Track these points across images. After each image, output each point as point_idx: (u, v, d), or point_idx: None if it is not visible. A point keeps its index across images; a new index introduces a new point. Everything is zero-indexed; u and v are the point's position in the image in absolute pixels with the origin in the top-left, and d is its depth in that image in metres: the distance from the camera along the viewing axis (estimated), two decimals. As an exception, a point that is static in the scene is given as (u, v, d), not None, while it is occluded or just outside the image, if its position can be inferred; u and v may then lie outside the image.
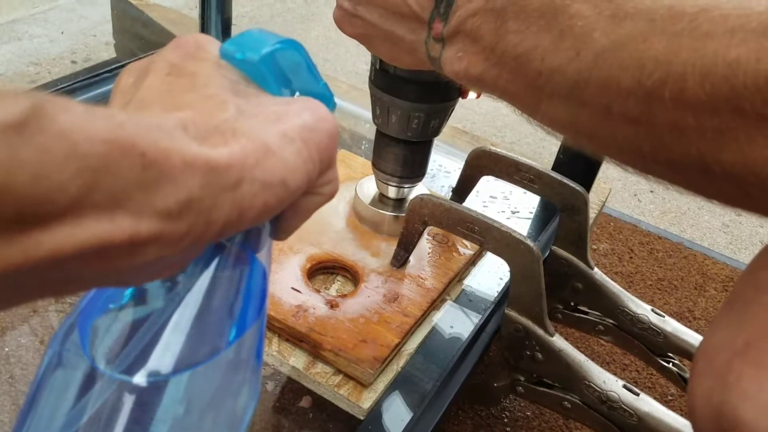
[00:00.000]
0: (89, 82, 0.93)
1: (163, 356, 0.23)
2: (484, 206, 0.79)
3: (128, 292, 0.26)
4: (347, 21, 0.45)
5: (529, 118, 0.37)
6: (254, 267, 0.28)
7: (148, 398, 0.23)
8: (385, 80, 0.59)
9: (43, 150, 0.16)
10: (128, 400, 0.22)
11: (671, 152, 0.28)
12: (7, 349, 0.68)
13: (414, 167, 0.65)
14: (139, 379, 0.23)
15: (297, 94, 0.29)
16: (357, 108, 0.96)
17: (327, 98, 0.30)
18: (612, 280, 0.71)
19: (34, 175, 0.16)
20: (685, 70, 0.26)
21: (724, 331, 0.29)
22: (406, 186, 0.67)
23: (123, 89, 0.25)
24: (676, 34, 0.27)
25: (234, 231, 0.22)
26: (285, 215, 0.27)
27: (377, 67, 0.59)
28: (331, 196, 0.28)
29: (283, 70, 0.28)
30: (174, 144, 0.19)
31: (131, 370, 0.23)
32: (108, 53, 1.47)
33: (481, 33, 0.36)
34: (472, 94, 0.58)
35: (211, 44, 0.26)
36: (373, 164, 0.67)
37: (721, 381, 0.27)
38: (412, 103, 0.58)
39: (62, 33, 1.56)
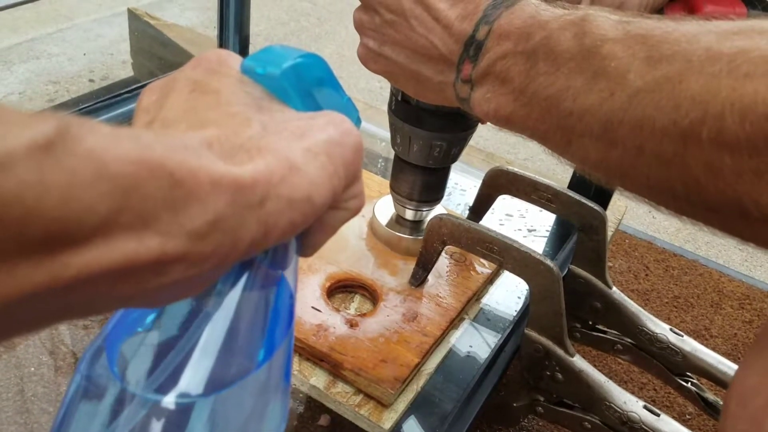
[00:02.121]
0: (109, 102, 0.94)
1: (194, 377, 0.23)
2: (501, 224, 0.79)
3: (155, 313, 0.25)
4: (372, 59, 0.45)
5: (558, 157, 0.37)
6: (281, 285, 0.27)
7: (179, 420, 0.23)
8: (406, 111, 0.59)
9: (72, 171, 0.16)
10: (159, 422, 0.22)
11: (706, 193, 0.28)
12: (32, 368, 0.69)
13: (433, 192, 0.66)
14: (170, 400, 0.22)
15: (321, 109, 0.29)
16: (373, 127, 0.97)
17: (351, 114, 0.29)
18: (628, 297, 0.71)
19: (63, 197, 0.16)
20: (724, 110, 0.26)
21: (759, 373, 0.28)
22: (425, 209, 0.68)
23: (146, 108, 0.25)
24: (714, 74, 0.27)
25: (260, 249, 0.22)
26: (311, 231, 0.27)
27: (398, 98, 0.59)
28: (357, 211, 0.28)
29: (306, 86, 0.27)
30: (201, 163, 0.19)
31: (161, 391, 0.23)
32: (125, 72, 1.49)
33: (510, 75, 0.36)
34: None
35: (233, 60, 0.26)
36: (392, 187, 0.67)
37: (758, 427, 0.27)
38: (435, 133, 0.59)
39: (84, 54, 1.58)
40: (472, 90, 0.39)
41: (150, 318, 0.25)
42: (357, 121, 0.30)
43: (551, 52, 0.34)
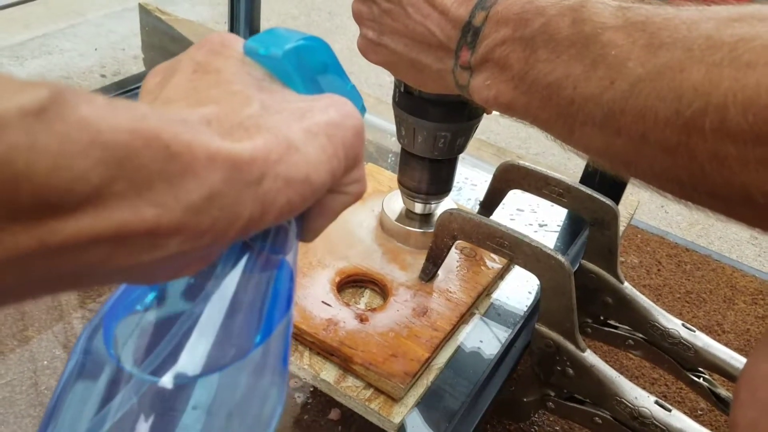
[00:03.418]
0: (120, 97, 0.95)
1: (191, 358, 0.23)
2: (511, 219, 0.79)
3: (153, 293, 0.25)
4: (372, 50, 0.46)
5: (562, 144, 0.37)
6: (281, 269, 0.27)
7: (175, 400, 0.23)
8: (409, 102, 0.59)
9: (64, 138, 0.16)
10: (155, 402, 0.22)
11: (712, 182, 0.28)
12: (45, 362, 0.70)
13: (440, 184, 0.66)
14: (166, 380, 0.22)
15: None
16: (383, 122, 0.97)
17: (356, 101, 0.29)
18: (640, 293, 0.70)
19: (54, 163, 0.16)
20: (726, 101, 0.26)
21: None
22: (433, 202, 0.68)
23: (149, 89, 0.25)
24: (716, 63, 0.26)
25: (257, 228, 0.22)
26: (311, 215, 0.27)
27: (401, 89, 0.59)
28: (358, 196, 0.27)
29: (309, 69, 0.27)
30: (197, 138, 0.19)
31: (158, 371, 0.22)
32: (137, 67, 1.50)
33: (509, 61, 0.36)
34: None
35: (237, 42, 0.26)
36: (399, 181, 0.67)
37: (767, 413, 0.27)
38: (438, 123, 0.59)
39: (96, 49, 1.58)
40: (471, 77, 0.39)
41: (149, 297, 0.25)
42: (362, 110, 0.30)
43: (551, 39, 0.33)
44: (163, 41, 1.23)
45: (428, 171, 0.64)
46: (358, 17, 0.46)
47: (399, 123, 0.62)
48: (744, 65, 0.26)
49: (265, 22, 1.86)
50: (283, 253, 0.27)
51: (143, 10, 1.26)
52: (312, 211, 0.27)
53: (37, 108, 0.16)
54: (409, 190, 0.67)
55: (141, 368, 0.23)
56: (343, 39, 1.85)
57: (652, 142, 0.29)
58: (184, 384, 0.23)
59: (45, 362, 0.70)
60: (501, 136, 1.47)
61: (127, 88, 0.96)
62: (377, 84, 1.63)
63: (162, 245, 0.19)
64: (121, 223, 0.18)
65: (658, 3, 0.31)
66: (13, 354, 0.71)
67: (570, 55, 0.32)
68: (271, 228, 0.26)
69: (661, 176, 0.31)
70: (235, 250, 0.25)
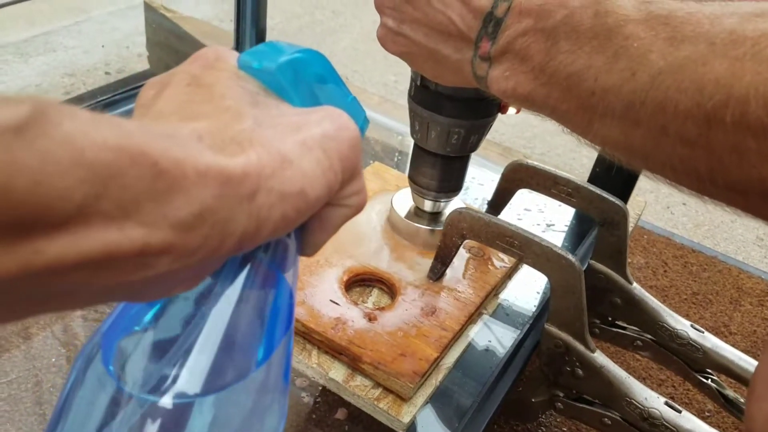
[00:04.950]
0: (125, 95, 0.94)
1: (191, 377, 0.23)
2: (519, 219, 0.78)
3: (152, 312, 0.25)
4: (391, 39, 0.45)
5: (579, 137, 0.36)
6: (281, 286, 0.27)
7: (176, 420, 0.22)
8: (425, 96, 0.59)
9: (45, 155, 0.16)
10: (155, 422, 0.22)
11: (730, 175, 0.28)
12: (51, 359, 0.69)
13: (451, 181, 0.66)
14: (166, 400, 0.22)
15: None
16: (389, 120, 0.97)
17: (357, 113, 0.29)
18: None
19: (35, 180, 0.15)
20: (748, 94, 0.26)
21: None
22: (443, 200, 0.67)
23: (143, 102, 0.24)
24: (738, 57, 0.27)
25: (253, 244, 0.21)
26: (311, 229, 0.27)
27: (418, 83, 0.59)
28: (359, 209, 0.27)
29: (304, 81, 0.27)
30: (187, 153, 0.19)
31: (158, 391, 0.22)
32: (141, 65, 1.49)
33: (530, 53, 0.36)
34: (512, 110, 0.58)
35: (231, 56, 0.26)
36: (410, 177, 0.67)
37: None
38: (453, 119, 0.58)
39: (102, 47, 1.58)
40: (490, 67, 0.39)
41: (148, 316, 0.25)
42: (364, 122, 0.29)
43: (573, 30, 0.33)
44: (168, 39, 1.23)
45: (440, 168, 0.64)
46: (379, 6, 0.46)
47: (413, 118, 0.62)
48: (766, 59, 0.26)
49: (269, 20, 1.86)
50: (283, 268, 0.27)
51: (148, 8, 1.25)
52: (311, 224, 0.26)
53: (18, 125, 0.16)
54: (419, 186, 0.66)
55: (141, 388, 0.22)
56: (347, 38, 1.85)
57: (672, 134, 0.29)
58: (185, 404, 0.22)
59: (52, 359, 0.69)
60: (506, 136, 1.47)
61: (131, 85, 0.95)
62: (382, 83, 1.63)
63: (151, 264, 0.18)
64: (107, 243, 0.17)
65: None
66: (18, 351, 0.71)
67: (592, 47, 0.32)
68: (271, 242, 0.26)
69: (678, 169, 0.31)
70: (234, 266, 0.25)
